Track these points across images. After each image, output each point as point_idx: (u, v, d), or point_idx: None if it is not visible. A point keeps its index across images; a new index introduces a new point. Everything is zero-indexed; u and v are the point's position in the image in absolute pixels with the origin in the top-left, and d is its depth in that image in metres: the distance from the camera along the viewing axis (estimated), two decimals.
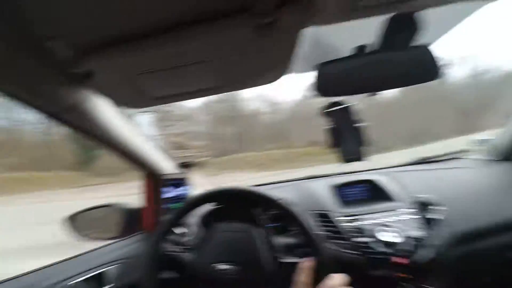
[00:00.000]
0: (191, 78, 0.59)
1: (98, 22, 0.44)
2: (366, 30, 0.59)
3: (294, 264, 0.69)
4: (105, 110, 0.74)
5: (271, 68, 0.60)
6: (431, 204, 0.91)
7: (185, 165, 1.16)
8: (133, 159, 0.98)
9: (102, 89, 0.62)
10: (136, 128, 0.93)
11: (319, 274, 0.65)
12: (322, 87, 0.62)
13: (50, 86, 0.57)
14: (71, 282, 0.83)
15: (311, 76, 0.62)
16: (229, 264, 0.73)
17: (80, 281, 0.85)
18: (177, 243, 0.90)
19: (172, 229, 0.80)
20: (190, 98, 0.70)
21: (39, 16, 0.42)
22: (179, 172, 1.15)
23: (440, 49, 0.58)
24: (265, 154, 12.08)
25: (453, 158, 1.41)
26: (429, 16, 0.56)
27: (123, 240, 1.08)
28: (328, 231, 0.91)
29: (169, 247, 0.82)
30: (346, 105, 0.77)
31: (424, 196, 0.94)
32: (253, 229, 0.78)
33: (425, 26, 0.55)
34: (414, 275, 0.84)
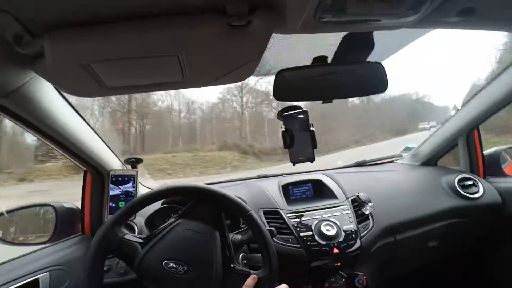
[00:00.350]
0: (155, 70, 0.58)
1: None
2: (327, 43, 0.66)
3: (243, 274, 0.71)
4: (51, 97, 0.69)
5: (237, 68, 0.62)
6: (364, 201, 1.02)
7: (132, 161, 1.11)
8: (77, 154, 0.90)
9: (50, 74, 0.57)
10: (83, 119, 0.86)
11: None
12: (280, 92, 0.67)
13: None
14: None
15: (271, 80, 0.66)
16: (179, 264, 0.70)
17: None
18: (125, 242, 0.86)
19: (119, 227, 0.75)
20: (150, 91, 0.69)
21: None
22: (126, 169, 1.10)
23: (388, 66, 0.68)
24: (169, 157, 11.63)
25: (386, 162, 1.61)
26: (382, 37, 0.65)
27: (58, 243, 0.98)
28: (277, 227, 0.96)
29: (116, 246, 0.76)
30: (300, 110, 0.84)
31: (359, 194, 1.05)
32: (209, 229, 0.77)
33: (378, 45, 0.63)
34: (348, 263, 0.94)
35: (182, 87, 0.68)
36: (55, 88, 0.71)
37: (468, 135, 1.29)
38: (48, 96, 0.68)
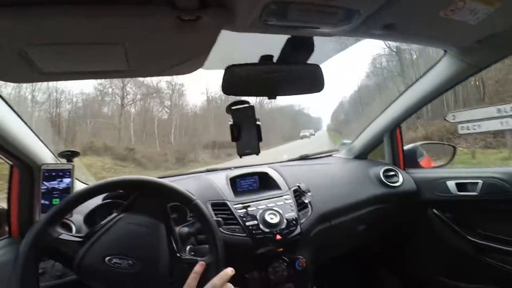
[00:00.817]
0: (96, 58, 0.55)
1: None
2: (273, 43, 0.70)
3: (191, 262, 0.71)
4: None
5: (185, 61, 0.62)
6: (304, 191, 1.12)
7: (67, 155, 1.02)
8: (1, 146, 0.80)
9: None
10: (9, 106, 0.77)
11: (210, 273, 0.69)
12: (228, 86, 0.69)
13: None
14: None
15: (219, 74, 0.68)
16: (123, 258, 0.67)
17: None
18: (62, 242, 0.79)
19: (53, 227, 0.69)
20: (91, 78, 0.65)
21: None
22: (60, 163, 1.00)
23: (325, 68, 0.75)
24: None
25: (325, 156, 1.77)
26: (321, 42, 0.71)
27: None
28: (224, 218, 1.00)
29: (51, 247, 0.69)
30: (247, 105, 0.87)
31: (300, 185, 1.14)
32: (154, 221, 0.74)
33: (318, 49, 0.69)
34: (289, 248, 1.02)
35: (127, 76, 0.67)
36: None
37: (392, 132, 1.49)
38: None
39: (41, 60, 0.53)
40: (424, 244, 1.48)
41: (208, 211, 0.94)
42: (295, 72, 0.74)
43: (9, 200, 0.93)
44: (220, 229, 0.93)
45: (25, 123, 0.86)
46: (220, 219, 0.89)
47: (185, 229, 0.86)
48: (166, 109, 15.51)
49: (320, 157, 1.75)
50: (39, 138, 0.93)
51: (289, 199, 1.10)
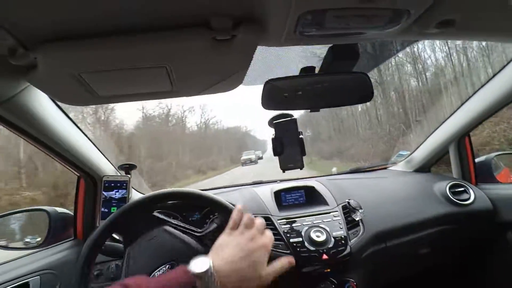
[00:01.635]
0: (144, 80, 0.60)
1: (50, 13, 0.42)
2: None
3: None
4: (45, 106, 0.71)
5: (225, 79, 0.64)
6: (354, 208, 1.03)
7: (125, 167, 1.12)
8: (70, 160, 0.92)
9: (44, 84, 0.59)
10: (76, 126, 0.88)
11: None
12: (268, 100, 0.68)
13: None
14: None
15: (259, 89, 0.68)
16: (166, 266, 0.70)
17: None
18: (113, 251, 0.87)
19: (109, 234, 0.76)
20: (140, 100, 0.71)
21: None
22: (119, 175, 1.11)
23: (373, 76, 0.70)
24: None
25: (380, 169, 1.63)
26: (367, 49, 0.66)
27: (50, 248, 0.99)
28: None
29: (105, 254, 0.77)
30: (290, 118, 0.85)
31: (349, 201, 1.06)
32: (195, 234, 0.78)
33: (363, 56, 0.65)
34: (338, 269, 0.94)
35: (171, 97, 0.70)
36: (49, 96, 0.73)
37: (459, 142, 1.30)
38: (42, 104, 0.71)
39: (97, 85, 0.59)
40: (500, 274, 1.23)
41: None
42: (340, 82, 0.70)
43: (75, 206, 1.06)
44: None
45: (90, 140, 0.97)
46: None
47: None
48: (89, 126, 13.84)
49: (373, 170, 1.62)
50: (101, 153, 1.05)
51: (338, 216, 1.03)
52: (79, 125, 0.90)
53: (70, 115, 0.83)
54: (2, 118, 0.66)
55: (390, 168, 1.62)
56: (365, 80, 0.68)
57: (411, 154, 1.54)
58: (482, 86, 1.14)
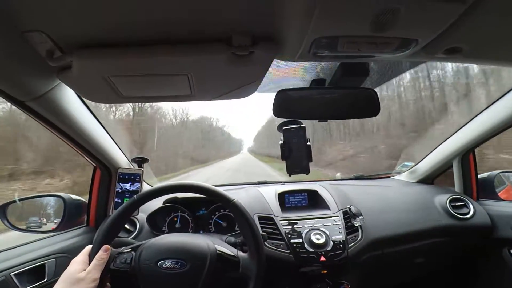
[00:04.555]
0: (166, 85, 0.65)
1: (86, 22, 0.47)
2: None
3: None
4: (72, 101, 0.77)
5: (240, 87, 0.68)
6: (355, 214, 1.07)
7: (138, 160, 1.17)
8: (89, 151, 0.98)
9: (75, 83, 0.65)
10: (98, 121, 0.94)
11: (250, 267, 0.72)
12: (280, 108, 0.73)
13: (25, 75, 0.59)
14: (12, 273, 0.79)
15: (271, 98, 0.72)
16: (174, 261, 0.71)
17: (19, 272, 0.81)
18: (122, 242, 0.90)
19: (122, 222, 0.80)
20: (159, 101, 0.76)
21: (25, 8, 0.44)
22: (133, 168, 1.16)
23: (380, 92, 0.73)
24: None
25: (383, 177, 1.66)
26: (375, 66, 0.70)
27: (65, 233, 1.05)
28: (269, 232, 1.02)
29: (115, 242, 0.78)
30: (299, 126, 0.89)
31: (350, 207, 1.10)
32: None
33: (372, 72, 0.69)
34: (334, 271, 0.98)
35: (189, 100, 0.75)
36: (76, 94, 0.79)
37: (463, 157, 1.33)
38: (70, 100, 0.77)
39: (122, 87, 0.65)
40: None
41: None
42: (349, 96, 0.74)
43: (90, 195, 1.12)
44: (265, 243, 0.96)
45: (108, 133, 1.03)
46: (265, 233, 0.91)
47: (232, 239, 0.91)
48: None
49: (377, 178, 1.65)
50: (118, 146, 1.10)
51: (338, 221, 1.07)
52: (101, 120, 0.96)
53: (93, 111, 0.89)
54: (34, 112, 0.72)
55: (394, 177, 1.65)
56: (373, 96, 0.72)
57: (415, 165, 1.56)
58: (490, 104, 1.16)
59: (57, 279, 0.64)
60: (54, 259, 0.91)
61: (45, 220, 1.16)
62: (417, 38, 0.49)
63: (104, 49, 0.52)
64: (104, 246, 0.70)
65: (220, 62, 0.55)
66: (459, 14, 0.44)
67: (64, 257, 0.94)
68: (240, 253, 0.77)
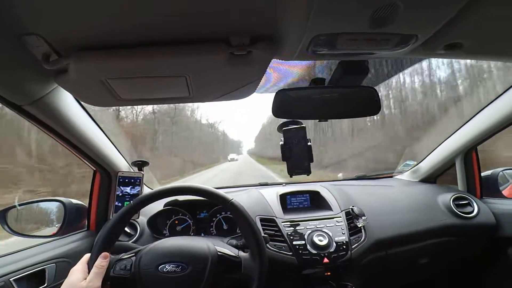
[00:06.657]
0: (164, 87, 0.65)
1: (82, 25, 0.47)
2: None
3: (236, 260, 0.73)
4: (70, 105, 0.76)
5: (239, 88, 0.68)
6: (357, 215, 1.06)
7: (138, 164, 1.17)
8: (88, 155, 0.97)
9: (72, 87, 0.64)
10: (96, 125, 0.93)
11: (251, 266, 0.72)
12: (279, 109, 0.72)
13: (21, 79, 0.58)
14: (11, 279, 0.78)
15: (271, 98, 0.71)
16: (175, 265, 0.70)
17: (19, 277, 0.80)
18: (123, 246, 0.89)
19: (121, 227, 0.78)
20: (158, 104, 0.75)
21: (21, 12, 0.43)
22: (133, 171, 1.15)
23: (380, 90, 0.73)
24: None
25: (386, 177, 1.65)
26: (374, 64, 0.69)
27: (65, 237, 1.04)
28: (271, 234, 1.01)
29: (115, 247, 0.77)
30: (299, 126, 0.89)
31: (353, 207, 1.09)
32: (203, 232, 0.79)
33: (372, 70, 0.68)
34: (337, 273, 0.97)
35: (187, 102, 0.74)
36: (74, 97, 0.79)
37: (466, 155, 1.31)
38: (67, 104, 0.76)
39: (120, 89, 0.64)
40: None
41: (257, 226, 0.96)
42: (349, 95, 0.73)
43: (90, 199, 1.11)
44: (267, 245, 0.95)
45: (108, 138, 1.02)
46: (266, 235, 0.90)
47: (234, 241, 0.90)
48: None
49: (379, 177, 1.64)
50: (117, 149, 1.10)
51: (341, 222, 1.06)
52: (99, 123, 0.95)
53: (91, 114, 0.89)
54: (32, 116, 0.71)
55: (396, 176, 1.64)
56: (373, 94, 0.71)
57: (417, 164, 1.55)
58: (492, 101, 1.14)
59: (57, 284, 0.63)
60: (54, 264, 0.90)
61: (45, 224, 1.15)
62: (417, 34, 0.49)
63: (100, 51, 0.52)
64: (103, 254, 0.69)
65: (218, 63, 0.54)
66: (459, 9, 0.43)
67: (64, 262, 0.93)
68: (242, 254, 0.76)
